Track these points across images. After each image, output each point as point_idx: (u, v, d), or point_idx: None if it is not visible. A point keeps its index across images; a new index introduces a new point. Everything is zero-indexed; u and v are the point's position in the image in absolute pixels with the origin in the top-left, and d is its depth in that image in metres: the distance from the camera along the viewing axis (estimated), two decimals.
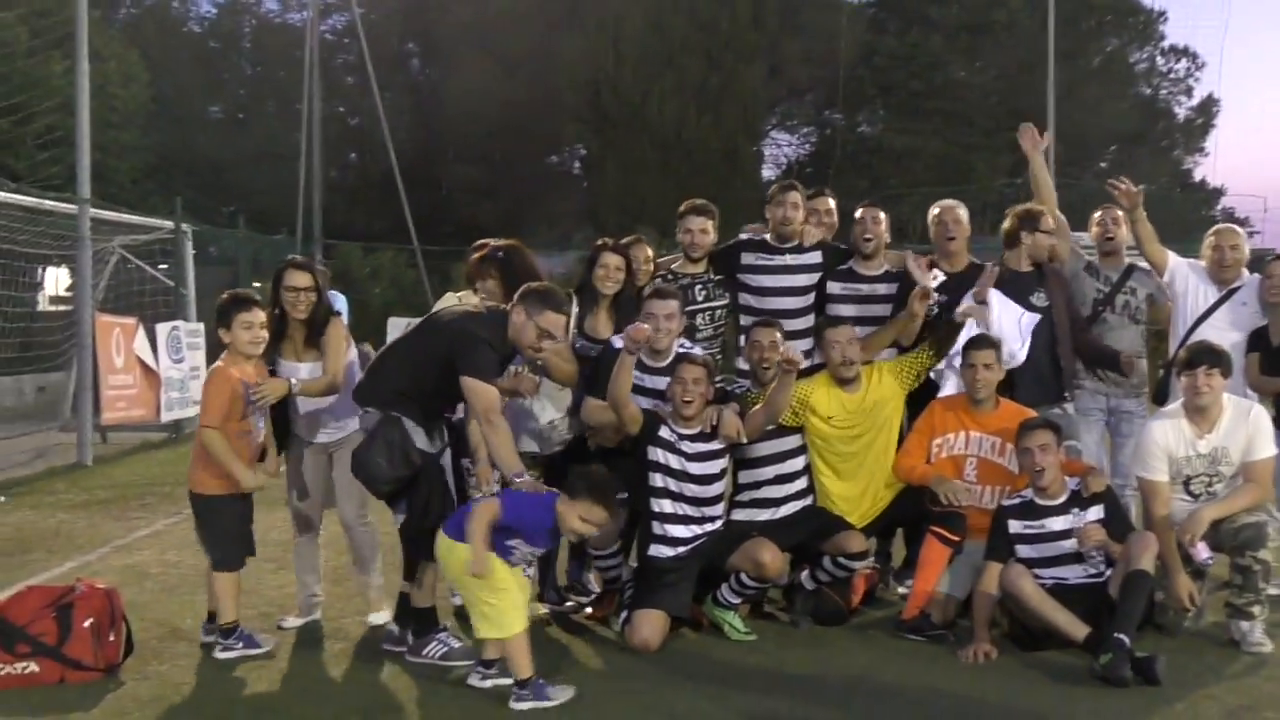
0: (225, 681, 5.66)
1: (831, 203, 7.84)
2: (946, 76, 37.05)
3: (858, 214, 7.48)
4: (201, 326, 15.93)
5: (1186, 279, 7.60)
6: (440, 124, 39.47)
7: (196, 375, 15.02)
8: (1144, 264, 7.77)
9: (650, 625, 6.14)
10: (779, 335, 6.78)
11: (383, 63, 44.43)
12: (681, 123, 31.56)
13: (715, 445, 6.43)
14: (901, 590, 6.99)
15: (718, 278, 7.52)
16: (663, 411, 6.46)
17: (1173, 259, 7.70)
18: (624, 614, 6.37)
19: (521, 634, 5.37)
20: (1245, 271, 7.57)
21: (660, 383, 6.56)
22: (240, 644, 5.96)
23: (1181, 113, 41.56)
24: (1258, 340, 7.31)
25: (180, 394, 15.24)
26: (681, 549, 6.42)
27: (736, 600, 6.43)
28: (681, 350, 6.69)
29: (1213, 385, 6.24)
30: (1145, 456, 6.39)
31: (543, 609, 6.79)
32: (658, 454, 6.43)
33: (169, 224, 17.30)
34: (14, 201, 13.80)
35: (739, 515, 6.74)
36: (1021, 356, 6.99)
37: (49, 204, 14.52)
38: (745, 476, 6.79)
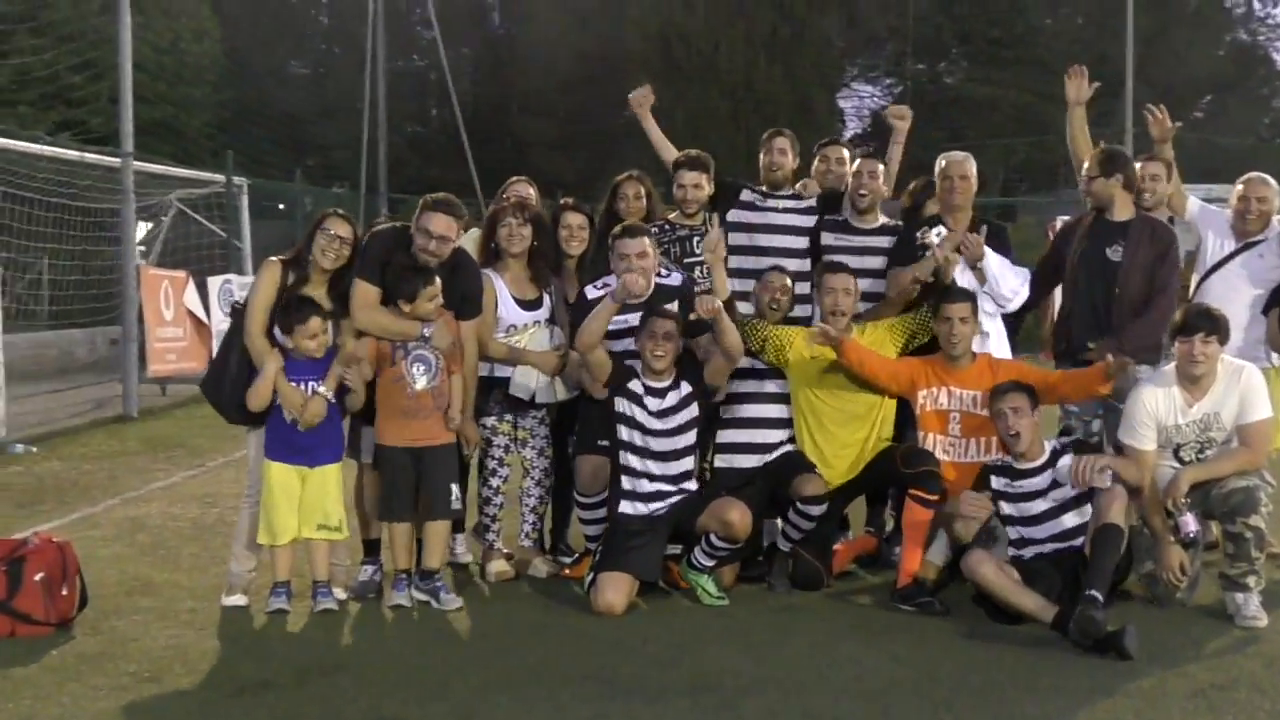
0: (175, 638, 5.62)
1: (844, 152, 7.56)
2: (1027, 23, 36.12)
3: (855, 165, 7.21)
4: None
5: (1206, 227, 7.24)
6: (515, 77, 39.49)
7: None
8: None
9: (615, 588, 6.01)
10: (790, 280, 6.70)
11: (461, 17, 44.81)
12: (751, 73, 31.11)
13: (679, 399, 6.29)
14: (894, 557, 6.77)
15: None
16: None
17: (1192, 202, 7.34)
18: (590, 575, 6.25)
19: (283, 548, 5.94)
20: (1276, 222, 7.15)
21: (635, 319, 6.40)
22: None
23: None
24: (1277, 296, 6.93)
25: None
26: (654, 505, 6.27)
27: (709, 563, 6.26)
28: (662, 282, 6.57)
29: (1209, 354, 5.91)
30: (1133, 423, 6.08)
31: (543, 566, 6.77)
32: (624, 405, 6.29)
33: (222, 178, 17.37)
34: (55, 155, 13.92)
35: (720, 462, 6.61)
36: (1025, 293, 6.73)
37: (109, 160, 14.58)
38: (726, 413, 6.64)
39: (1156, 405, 6.02)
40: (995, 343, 6.70)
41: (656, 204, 7.41)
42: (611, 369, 6.31)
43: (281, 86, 37.24)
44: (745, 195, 7.30)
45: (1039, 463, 6.04)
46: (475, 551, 6.95)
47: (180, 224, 17.59)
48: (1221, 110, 37.57)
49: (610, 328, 6.31)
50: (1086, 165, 6.93)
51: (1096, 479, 5.73)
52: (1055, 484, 5.98)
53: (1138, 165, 7.26)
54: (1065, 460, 5.96)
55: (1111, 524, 5.64)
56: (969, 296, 6.43)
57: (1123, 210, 6.87)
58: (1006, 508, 6.07)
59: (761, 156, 7.32)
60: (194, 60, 29.38)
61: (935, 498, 6.22)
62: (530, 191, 7.15)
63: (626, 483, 6.30)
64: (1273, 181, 7.21)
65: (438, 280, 6.09)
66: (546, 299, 6.77)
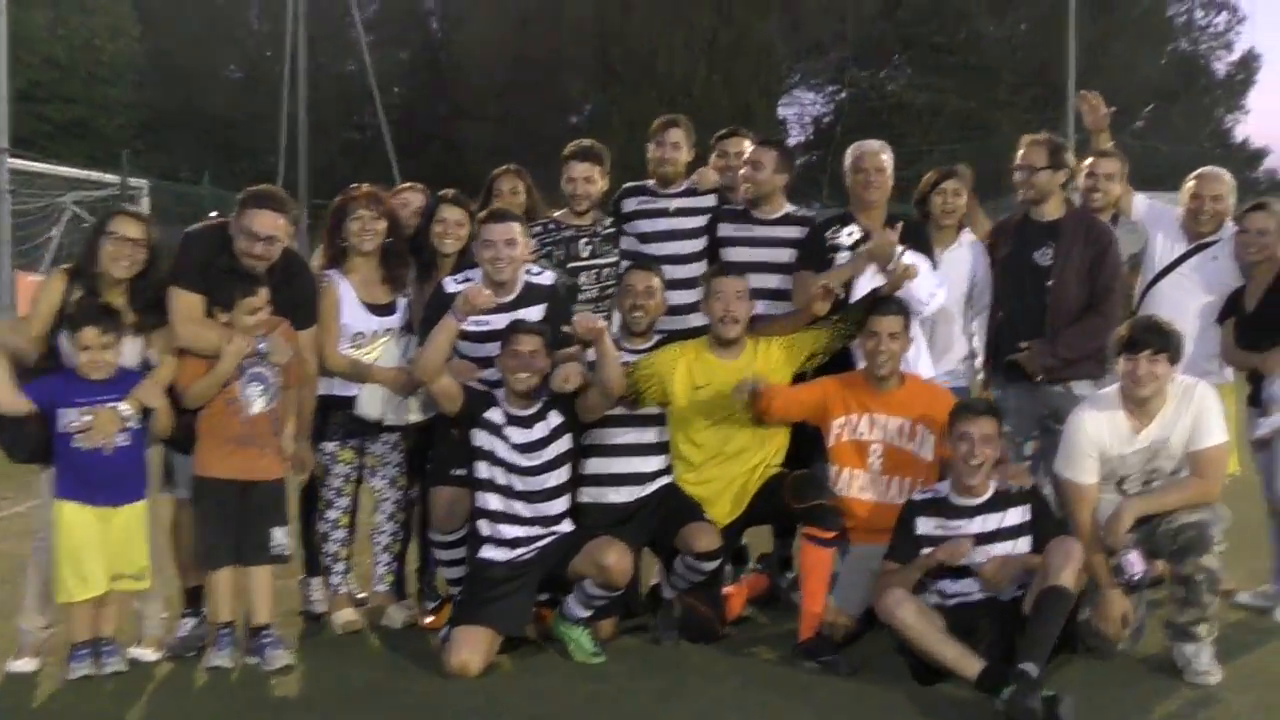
0: None
1: (746, 145, 6.74)
2: (971, 30, 35.64)
3: (743, 152, 6.43)
4: None
5: (1155, 227, 6.49)
6: (451, 82, 38.64)
7: None
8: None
9: (471, 645, 5.14)
10: (657, 281, 5.80)
11: (399, 20, 43.95)
12: (691, 78, 30.37)
13: (549, 431, 5.45)
14: (796, 598, 5.93)
15: (607, 231, 6.49)
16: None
17: (1140, 200, 6.59)
18: (445, 630, 5.40)
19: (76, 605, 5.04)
20: (1229, 224, 6.41)
21: (502, 322, 5.56)
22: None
23: (1221, 68, 39.96)
24: (1233, 305, 6.19)
25: None
26: (520, 551, 5.41)
27: (584, 614, 5.41)
28: (532, 280, 5.77)
29: (1158, 374, 5.10)
30: (1072, 453, 5.27)
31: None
32: (483, 438, 5.43)
33: (116, 179, 16.41)
34: None
35: (586, 497, 5.74)
36: (942, 296, 5.93)
37: None
38: (591, 438, 5.74)
39: (1100, 433, 5.22)
40: (913, 355, 5.89)
41: (539, 202, 6.64)
42: (464, 397, 5.45)
43: (212, 89, 36.06)
44: (629, 204, 6.54)
45: (982, 499, 5.23)
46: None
47: (74, 229, 16.58)
48: (1164, 119, 37.24)
49: (471, 327, 5.49)
50: (1027, 154, 6.16)
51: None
52: (995, 535, 5.18)
53: (1089, 161, 6.59)
54: (1014, 513, 5.18)
55: (1060, 588, 4.81)
56: (902, 309, 5.62)
57: (1054, 208, 6.12)
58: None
59: (651, 149, 6.52)
60: (110, 59, 28.21)
61: (832, 535, 5.41)
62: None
63: (486, 527, 5.45)
64: (1227, 177, 6.46)
65: (263, 290, 5.22)
66: (401, 304, 5.91)
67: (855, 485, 5.63)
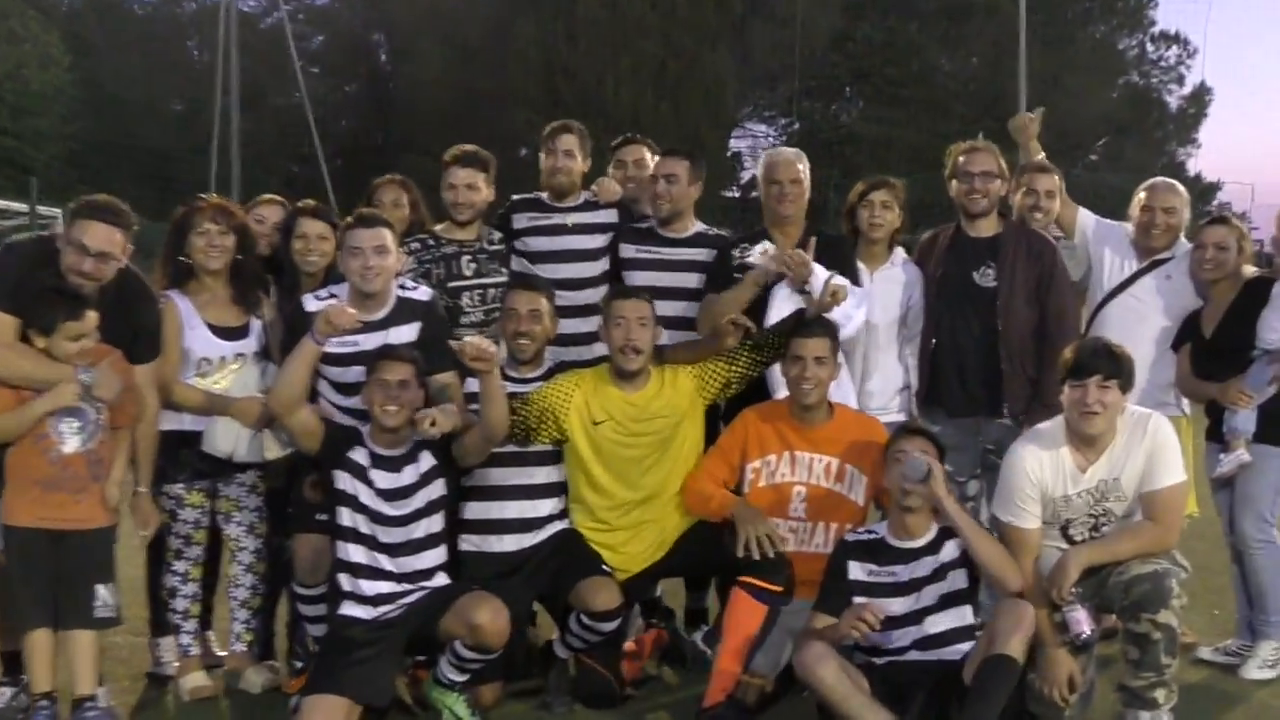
0: None
1: (646, 153, 6.17)
2: (924, 63, 35.42)
3: (654, 164, 5.84)
4: None
5: (1099, 245, 5.92)
6: (397, 115, 38.10)
7: None
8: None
9: (324, 717, 4.44)
10: (544, 302, 5.14)
11: (347, 52, 43.43)
12: (639, 109, 29.83)
13: (419, 475, 4.80)
14: (709, 655, 5.27)
15: (494, 248, 5.85)
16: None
17: (1084, 216, 6.03)
18: (294, 699, 4.71)
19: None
20: (1183, 241, 5.86)
21: (372, 343, 4.92)
22: None
23: (1173, 102, 39.94)
24: (1190, 329, 5.62)
25: None
26: (384, 608, 4.73)
27: (459, 678, 4.72)
28: (406, 295, 5.13)
29: (1107, 403, 4.50)
30: (1010, 495, 4.64)
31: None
32: (345, 482, 4.76)
33: (25, 207, 15.66)
34: None
35: (468, 545, 5.07)
36: (859, 318, 5.32)
37: None
38: (472, 479, 5.08)
39: (1041, 471, 4.60)
40: (832, 386, 5.26)
41: (426, 219, 6.01)
42: (324, 434, 4.79)
43: (148, 121, 35.26)
44: (519, 220, 5.93)
45: (922, 542, 4.61)
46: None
47: None
48: (1117, 152, 37.16)
49: (336, 348, 4.84)
50: (978, 160, 5.62)
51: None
52: (935, 576, 4.58)
53: (1025, 177, 6.00)
54: (950, 547, 4.56)
55: (1006, 657, 4.20)
56: (829, 330, 5.01)
57: (992, 223, 5.57)
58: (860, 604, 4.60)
59: (543, 159, 5.90)
60: (39, 89, 27.39)
61: (779, 590, 4.76)
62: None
63: (346, 581, 4.76)
64: (1180, 189, 5.90)
65: (90, 313, 4.55)
66: (255, 327, 5.24)
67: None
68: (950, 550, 4.56)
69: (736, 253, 5.51)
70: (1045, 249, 5.60)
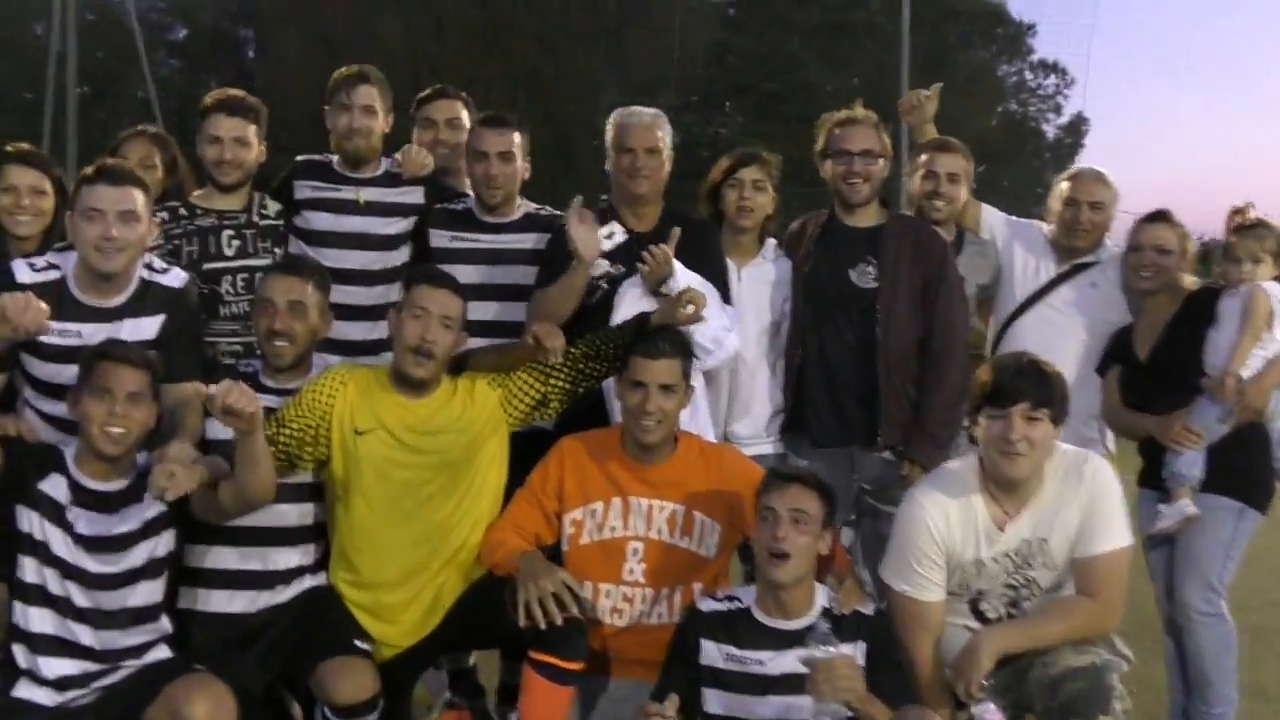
0: None
1: (462, 111, 5.08)
2: (805, 79, 34.82)
3: (475, 137, 4.76)
4: None
5: (1011, 246, 4.92)
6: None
7: None
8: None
9: None
10: (311, 290, 3.99)
11: (211, 45, 41.69)
12: (509, 110, 28.58)
13: (143, 522, 3.59)
14: None
15: (265, 222, 4.65)
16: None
17: (990, 213, 5.04)
18: None
19: None
20: (1108, 243, 4.89)
21: (100, 335, 3.77)
22: None
23: (1051, 131, 39.98)
24: (1119, 349, 4.62)
25: None
26: (74, 693, 3.49)
27: None
28: (155, 279, 4.02)
29: (1034, 439, 3.48)
30: (907, 557, 3.61)
31: None
32: (31, 521, 3.52)
33: None
34: None
35: (185, 602, 3.86)
36: (733, 343, 4.21)
37: None
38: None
39: (947, 527, 3.54)
40: (688, 414, 4.12)
41: (185, 180, 4.91)
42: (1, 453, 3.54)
43: None
44: (302, 189, 4.80)
45: (799, 621, 3.52)
46: None
47: None
48: (995, 181, 36.92)
49: (54, 339, 3.75)
50: (855, 135, 4.79)
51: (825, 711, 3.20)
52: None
53: (924, 158, 5.06)
54: (822, 627, 3.41)
55: None
56: (681, 348, 3.90)
57: (872, 212, 4.62)
58: (718, 700, 3.54)
59: (331, 116, 4.79)
60: None
61: (575, 668, 3.60)
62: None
63: (22, 656, 3.52)
64: (1110, 180, 4.92)
65: None
66: None
67: (605, 605, 3.88)
68: (822, 629, 3.43)
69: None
70: (935, 244, 4.65)
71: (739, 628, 3.59)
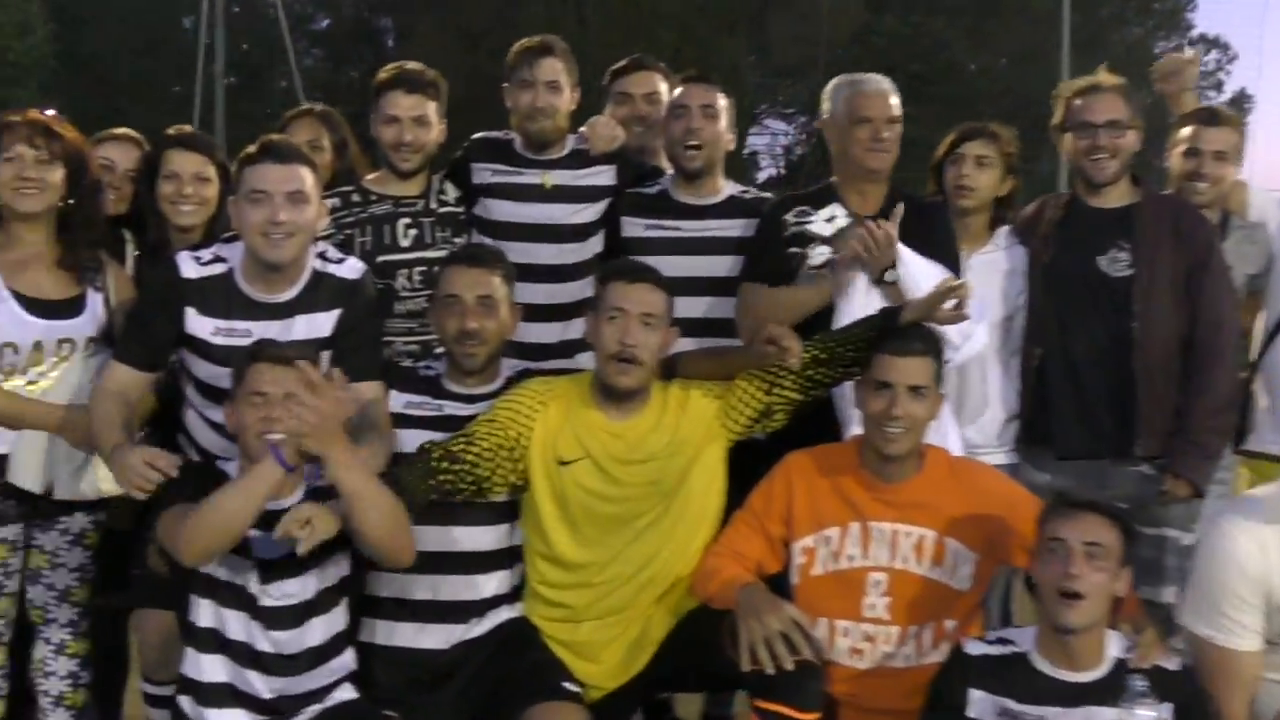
0: None
1: (660, 83, 4.62)
2: (951, 60, 33.93)
3: (676, 93, 4.25)
4: None
5: None
6: None
7: None
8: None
9: None
10: (499, 285, 3.55)
11: (351, 36, 42.32)
12: None
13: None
14: None
15: (445, 210, 4.27)
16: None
17: (1257, 194, 4.63)
18: None
19: None
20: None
21: (272, 332, 3.53)
22: None
23: None
24: None
25: None
26: None
27: None
28: (327, 269, 3.66)
29: None
30: (1215, 599, 3.11)
31: None
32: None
33: None
34: None
35: (368, 636, 3.46)
36: (981, 336, 3.68)
37: None
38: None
39: (1264, 562, 3.05)
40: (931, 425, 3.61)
41: (357, 162, 4.51)
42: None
43: (138, 98, 33.80)
44: (480, 173, 4.33)
45: (1092, 674, 3.02)
46: None
47: None
48: (1153, 159, 35.73)
49: (221, 339, 3.44)
50: (1090, 104, 4.06)
51: None
52: None
53: (1187, 132, 4.49)
54: (1137, 685, 2.90)
55: None
56: (932, 346, 3.42)
57: (1123, 191, 4.14)
58: None
59: (513, 93, 4.31)
60: (16, 58, 25.98)
61: (810, 719, 3.10)
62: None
63: (189, 708, 3.17)
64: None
65: None
66: (94, 302, 3.67)
67: (843, 645, 3.39)
68: (1137, 688, 2.91)
69: (791, 218, 3.92)
70: (1199, 226, 4.09)
71: (1016, 677, 3.08)
